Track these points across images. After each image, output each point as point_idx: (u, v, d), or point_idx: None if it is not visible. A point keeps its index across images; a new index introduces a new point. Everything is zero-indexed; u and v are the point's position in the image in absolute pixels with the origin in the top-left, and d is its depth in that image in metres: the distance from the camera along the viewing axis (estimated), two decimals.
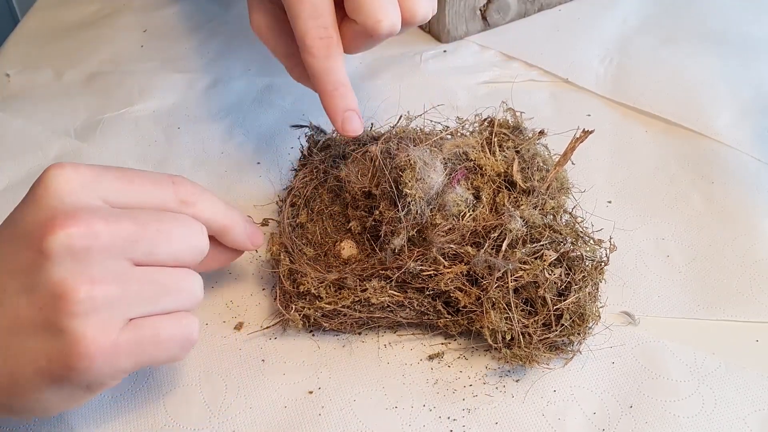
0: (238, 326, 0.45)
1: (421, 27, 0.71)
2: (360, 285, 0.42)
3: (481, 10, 0.68)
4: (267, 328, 0.45)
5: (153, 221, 0.36)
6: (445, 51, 0.68)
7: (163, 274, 0.36)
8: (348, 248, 0.46)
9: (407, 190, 0.43)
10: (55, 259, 0.33)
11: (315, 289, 0.42)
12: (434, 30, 0.69)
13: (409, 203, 0.43)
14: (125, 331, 0.35)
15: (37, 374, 0.34)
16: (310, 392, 0.42)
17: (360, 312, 0.42)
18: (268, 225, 0.52)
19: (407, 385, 0.42)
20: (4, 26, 1.22)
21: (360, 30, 0.43)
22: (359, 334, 0.44)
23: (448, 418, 0.40)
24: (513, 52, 0.67)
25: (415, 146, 0.45)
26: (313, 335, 0.45)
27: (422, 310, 0.42)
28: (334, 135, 0.52)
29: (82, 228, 0.33)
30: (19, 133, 0.62)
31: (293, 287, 0.43)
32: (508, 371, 0.42)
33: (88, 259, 0.33)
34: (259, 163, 0.57)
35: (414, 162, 0.43)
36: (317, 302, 0.42)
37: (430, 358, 0.43)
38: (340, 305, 0.42)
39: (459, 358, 0.43)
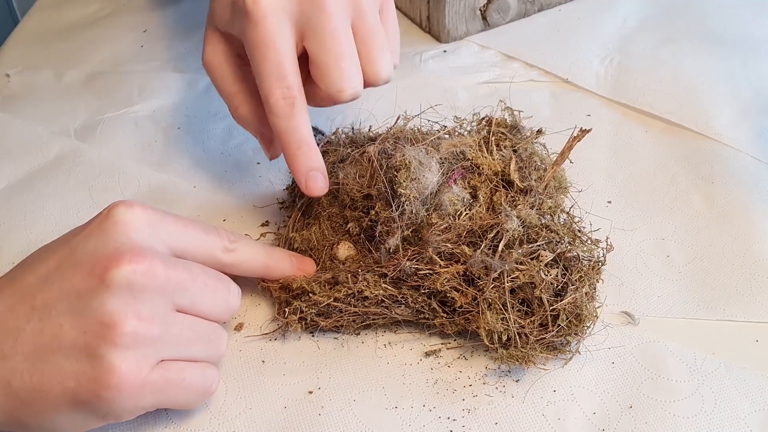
0: (238, 327, 0.45)
1: (421, 27, 0.71)
2: (353, 278, 0.42)
3: (481, 10, 0.68)
4: (266, 334, 0.45)
5: (202, 275, 0.39)
6: (445, 51, 0.68)
7: (200, 324, 0.39)
8: (345, 249, 0.46)
9: (401, 190, 0.43)
10: (114, 290, 0.35)
11: (307, 285, 0.43)
12: (434, 30, 0.69)
13: (403, 203, 0.43)
14: (155, 370, 0.36)
15: (63, 395, 0.35)
16: (310, 392, 0.42)
17: (354, 306, 0.42)
18: (268, 225, 0.52)
19: (407, 385, 0.42)
20: (4, 26, 1.22)
21: (324, 95, 0.44)
22: (357, 334, 0.44)
23: (448, 418, 0.40)
24: (513, 52, 0.67)
25: (411, 146, 0.45)
26: (313, 336, 0.45)
27: (418, 307, 0.42)
28: (333, 137, 0.52)
29: (144, 266, 0.35)
30: (19, 133, 0.62)
31: (287, 293, 0.44)
32: (508, 371, 0.42)
33: (143, 296, 0.36)
34: (259, 163, 0.57)
35: (409, 162, 0.43)
36: (311, 296, 0.42)
37: (427, 354, 0.43)
38: (332, 299, 0.42)
39: (458, 358, 0.43)
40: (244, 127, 0.50)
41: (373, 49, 0.45)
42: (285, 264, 0.45)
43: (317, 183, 0.45)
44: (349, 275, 0.43)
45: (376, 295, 0.42)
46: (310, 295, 0.42)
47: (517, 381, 0.42)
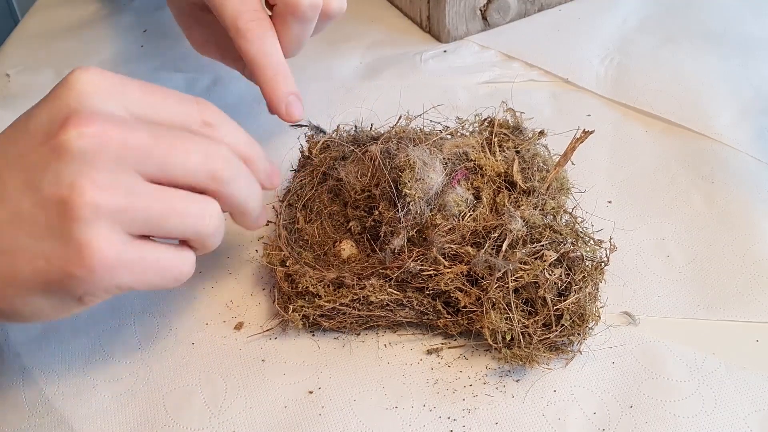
0: (238, 326, 0.45)
1: (421, 27, 0.71)
2: (359, 283, 0.42)
3: (481, 10, 0.68)
4: (267, 330, 0.45)
5: (169, 136, 0.35)
6: (445, 51, 0.68)
7: (174, 195, 0.35)
8: (348, 248, 0.46)
9: (406, 190, 0.43)
10: (64, 159, 0.32)
11: (313, 288, 0.42)
12: (434, 30, 0.69)
13: (408, 203, 0.43)
14: (129, 248, 0.34)
15: (33, 275, 0.33)
16: (310, 392, 0.42)
17: (359, 310, 0.42)
18: (268, 225, 0.52)
19: (407, 385, 0.42)
20: (4, 26, 1.22)
21: (281, 10, 0.42)
22: (358, 334, 0.44)
23: (448, 418, 0.40)
24: (513, 52, 0.67)
25: (414, 146, 0.45)
26: (313, 335, 0.45)
27: (422, 309, 0.42)
28: (334, 135, 0.52)
29: (94, 129, 0.32)
30: None
31: (291, 287, 0.43)
32: (508, 371, 0.42)
33: (98, 164, 0.33)
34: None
35: (413, 162, 0.43)
36: (316, 300, 0.42)
37: (428, 352, 0.43)
38: (338, 303, 0.42)
39: (459, 358, 0.43)
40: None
41: None
42: (260, 164, 0.41)
43: (296, 108, 0.44)
44: (355, 278, 0.43)
45: (381, 300, 0.42)
46: (315, 299, 0.42)
47: (517, 381, 0.42)
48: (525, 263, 0.41)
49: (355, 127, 0.52)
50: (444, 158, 0.45)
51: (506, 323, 0.40)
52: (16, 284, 0.33)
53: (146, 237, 0.35)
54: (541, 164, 0.47)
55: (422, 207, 0.43)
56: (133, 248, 0.34)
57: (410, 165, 0.43)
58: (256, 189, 0.40)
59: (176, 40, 0.72)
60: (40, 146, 0.33)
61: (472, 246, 0.42)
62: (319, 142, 0.52)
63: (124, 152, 0.33)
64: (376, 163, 0.45)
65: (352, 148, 0.49)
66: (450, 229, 0.43)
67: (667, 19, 0.70)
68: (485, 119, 0.50)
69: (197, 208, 0.36)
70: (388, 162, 0.45)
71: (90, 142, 0.32)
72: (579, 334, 0.41)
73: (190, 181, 0.36)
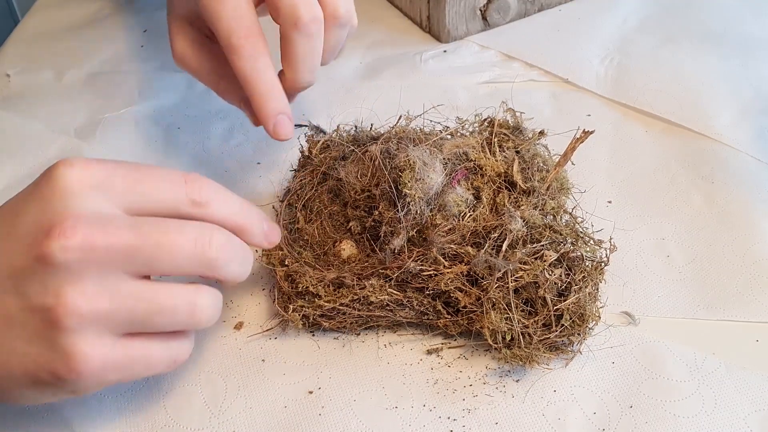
0: (238, 326, 0.45)
1: (421, 27, 0.71)
2: (359, 283, 0.42)
3: (481, 10, 0.68)
4: (267, 330, 0.45)
5: (156, 232, 0.34)
6: (445, 51, 0.68)
7: (160, 292, 0.35)
8: (348, 248, 0.46)
9: (406, 191, 0.43)
10: (49, 270, 0.33)
11: (313, 288, 0.42)
12: (434, 30, 0.69)
13: (408, 203, 0.43)
14: (116, 348, 0.34)
15: (24, 374, 0.34)
16: (310, 392, 0.42)
17: (359, 310, 0.42)
18: None
19: (407, 385, 0.42)
20: (4, 26, 1.22)
21: (283, 31, 0.42)
22: (358, 334, 0.44)
23: (448, 418, 0.40)
24: (513, 52, 0.67)
25: (414, 146, 0.45)
26: (313, 335, 0.45)
27: (422, 309, 0.42)
28: (334, 135, 0.52)
29: (78, 240, 0.32)
30: (20, 132, 0.62)
31: (291, 287, 0.43)
32: (508, 371, 0.42)
33: (83, 271, 0.33)
34: (259, 163, 0.57)
35: (413, 162, 0.43)
36: (316, 300, 0.42)
37: (428, 353, 0.43)
38: (338, 303, 0.42)
39: (459, 358, 0.43)
40: (228, 100, 0.49)
41: None
42: (255, 230, 0.40)
43: (285, 128, 0.44)
44: (355, 278, 0.43)
45: (381, 300, 0.42)
46: (316, 299, 0.42)
47: (517, 381, 0.42)
48: (525, 263, 0.41)
49: (355, 127, 0.52)
50: (444, 158, 0.45)
51: (506, 323, 0.40)
52: (8, 379, 0.34)
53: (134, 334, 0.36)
54: (541, 164, 0.47)
55: (422, 207, 0.43)
56: (121, 348, 0.35)
57: (410, 165, 0.43)
58: (249, 260, 0.39)
59: None
60: (26, 252, 0.33)
61: (472, 246, 0.42)
62: (319, 142, 0.52)
63: (109, 256, 0.33)
64: (376, 163, 0.45)
65: (352, 148, 0.49)
66: (450, 229, 0.43)
67: (667, 19, 0.70)
68: (485, 119, 0.50)
69: (186, 304, 0.36)
70: (388, 162, 0.45)
71: (74, 255, 0.32)
72: (579, 334, 0.41)
73: (182, 273, 0.35)
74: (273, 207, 0.52)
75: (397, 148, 0.46)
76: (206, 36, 0.48)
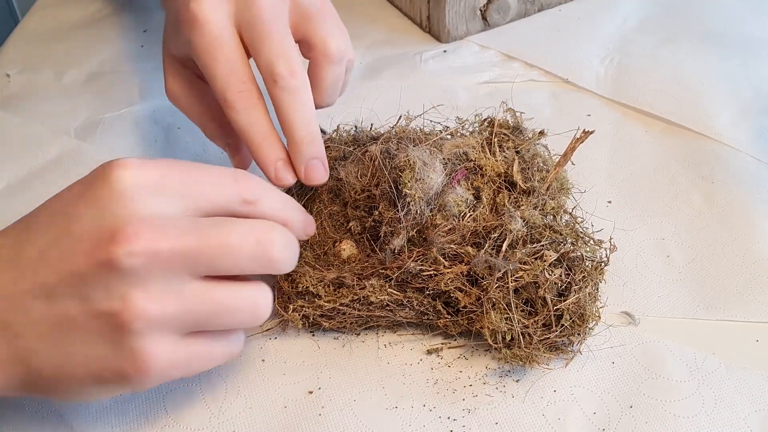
0: None
1: (421, 27, 0.71)
2: (359, 283, 0.42)
3: (481, 10, 0.68)
4: (267, 330, 0.45)
5: (217, 234, 0.35)
6: (445, 51, 0.68)
7: (223, 292, 0.36)
8: (348, 248, 0.46)
9: (406, 190, 0.43)
10: (114, 275, 0.33)
11: (313, 288, 0.42)
12: (434, 30, 0.69)
13: (408, 203, 0.43)
14: (180, 347, 0.35)
15: (88, 375, 0.34)
16: (310, 392, 0.42)
17: (359, 310, 0.42)
18: None
19: (407, 385, 0.42)
20: (4, 26, 1.22)
21: (263, 76, 0.43)
22: (358, 334, 0.44)
23: (448, 418, 0.40)
24: (513, 52, 0.67)
25: (414, 146, 0.45)
26: (313, 335, 0.45)
27: (422, 309, 0.42)
28: (334, 135, 0.52)
29: (143, 245, 0.33)
30: (19, 132, 0.62)
31: (291, 287, 0.43)
32: (508, 371, 0.42)
33: (148, 275, 0.33)
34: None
35: (413, 162, 0.43)
36: (316, 300, 0.42)
37: (428, 353, 0.43)
38: (338, 304, 0.42)
39: (459, 358, 0.43)
40: (214, 142, 0.50)
41: (315, 25, 0.45)
42: (297, 224, 0.40)
43: (285, 174, 0.44)
44: (355, 278, 0.43)
45: (381, 300, 0.42)
46: (315, 299, 0.42)
47: (517, 381, 0.42)
48: (525, 263, 0.41)
49: (355, 127, 0.52)
50: (444, 158, 0.45)
51: (506, 323, 0.40)
52: (70, 379, 0.35)
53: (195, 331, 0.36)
54: (541, 164, 0.47)
55: (422, 207, 0.43)
56: (185, 346, 0.35)
57: (410, 165, 0.43)
58: (297, 251, 0.39)
59: None
60: (87, 257, 0.33)
61: (472, 246, 0.42)
62: None
63: (173, 260, 0.34)
64: (376, 163, 0.45)
65: (351, 148, 0.49)
66: (450, 229, 0.43)
67: (667, 19, 0.70)
68: (485, 119, 0.50)
69: (249, 303, 0.36)
70: (388, 162, 0.45)
71: (139, 260, 0.33)
72: (579, 334, 0.41)
73: (242, 272, 0.36)
74: None
75: (397, 148, 0.45)
76: (198, 77, 0.49)
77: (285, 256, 0.37)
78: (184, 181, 0.36)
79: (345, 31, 0.47)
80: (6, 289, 0.34)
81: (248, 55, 0.44)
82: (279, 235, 0.37)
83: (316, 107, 0.45)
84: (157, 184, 0.35)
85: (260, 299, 0.37)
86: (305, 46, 0.46)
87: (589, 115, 0.60)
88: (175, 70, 0.49)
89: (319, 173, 0.44)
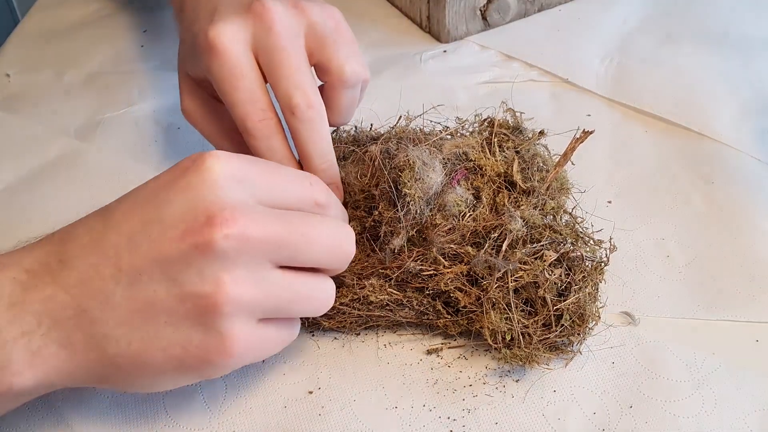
0: None
1: (421, 27, 0.71)
2: (358, 283, 0.42)
3: (481, 10, 0.68)
4: None
5: (301, 225, 0.37)
6: (445, 51, 0.68)
7: (301, 282, 0.37)
8: None
9: (406, 190, 0.43)
10: (208, 257, 0.34)
11: None
12: (434, 30, 0.69)
13: (408, 203, 0.43)
14: (257, 332, 0.36)
15: (167, 361, 0.35)
16: (310, 392, 0.42)
17: (359, 310, 0.42)
18: None
19: (407, 385, 0.42)
20: (4, 26, 1.22)
21: (280, 105, 0.44)
22: (358, 334, 0.44)
23: (448, 418, 0.40)
24: (513, 52, 0.67)
25: (414, 146, 0.45)
26: (313, 335, 0.45)
27: (422, 309, 0.42)
28: (334, 135, 0.52)
29: (237, 228, 0.34)
30: (19, 133, 0.62)
31: None
32: (508, 371, 0.42)
33: (238, 260, 0.34)
34: None
35: (413, 162, 0.43)
36: None
37: (428, 353, 0.43)
38: (338, 303, 0.42)
39: (459, 358, 0.43)
40: None
41: (330, 49, 0.46)
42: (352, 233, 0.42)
43: None
44: (355, 278, 0.43)
45: (381, 300, 0.42)
46: None
47: (517, 381, 0.42)
48: (525, 263, 0.41)
49: (355, 127, 0.52)
50: (444, 158, 0.45)
51: (506, 323, 0.40)
52: (146, 367, 0.35)
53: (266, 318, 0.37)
54: (541, 164, 0.47)
55: (422, 207, 0.43)
56: (260, 331, 0.37)
57: (410, 165, 0.43)
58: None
59: (176, 40, 0.71)
60: (179, 241, 0.34)
61: (472, 246, 0.42)
62: None
63: (261, 246, 0.35)
64: (376, 163, 0.45)
65: (352, 148, 0.49)
66: (450, 229, 0.43)
67: (667, 19, 0.70)
68: (485, 119, 0.50)
69: (321, 293, 0.39)
70: (388, 162, 0.45)
71: (234, 243, 0.34)
72: (579, 334, 0.41)
73: (318, 264, 0.38)
74: None
75: (397, 149, 0.46)
76: (214, 98, 0.49)
77: (353, 252, 0.39)
78: (264, 175, 0.38)
79: (359, 52, 0.48)
80: (85, 274, 0.34)
81: (265, 79, 0.45)
82: (350, 233, 0.39)
83: (330, 126, 0.46)
84: (243, 176, 0.36)
85: (330, 290, 0.39)
86: (321, 70, 0.47)
87: (589, 115, 0.60)
88: (191, 89, 0.49)
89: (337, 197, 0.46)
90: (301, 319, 0.43)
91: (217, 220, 0.34)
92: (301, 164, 0.45)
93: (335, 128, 0.53)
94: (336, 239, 0.38)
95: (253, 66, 0.44)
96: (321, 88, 0.47)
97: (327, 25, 0.46)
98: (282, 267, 0.37)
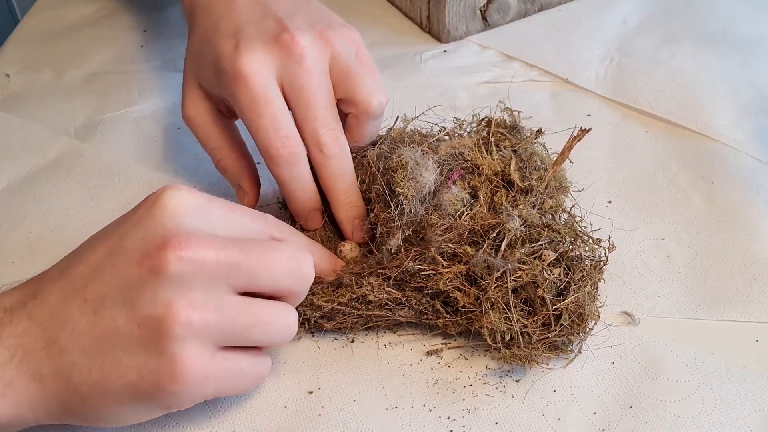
0: None
1: (421, 27, 0.71)
2: (357, 282, 0.42)
3: (481, 10, 0.68)
4: None
5: (256, 248, 0.37)
6: (445, 51, 0.68)
7: (260, 306, 0.37)
8: (350, 249, 0.46)
9: (399, 189, 0.43)
10: (162, 280, 0.34)
11: (311, 292, 0.42)
12: (434, 30, 0.69)
13: (401, 202, 0.43)
14: (215, 359, 0.36)
15: (124, 388, 0.35)
16: (310, 392, 0.42)
17: (358, 310, 0.42)
18: None
19: (407, 385, 0.42)
20: (4, 26, 1.22)
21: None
22: (355, 336, 0.44)
23: (448, 418, 0.40)
24: (513, 52, 0.67)
25: (408, 147, 0.45)
26: (313, 335, 0.45)
27: (421, 309, 0.42)
28: None
29: (192, 252, 0.34)
30: (19, 133, 0.62)
31: None
32: (508, 371, 0.42)
33: (193, 283, 0.34)
34: (259, 163, 0.57)
35: (405, 162, 0.43)
36: (315, 301, 0.42)
37: (429, 354, 0.43)
38: (337, 303, 0.42)
39: (459, 358, 0.43)
40: (226, 177, 0.51)
41: (355, 83, 0.46)
42: (325, 263, 0.44)
43: (316, 222, 0.47)
44: (353, 278, 0.43)
45: (380, 299, 0.42)
46: (313, 299, 0.42)
47: (517, 381, 0.42)
48: (524, 263, 0.41)
49: None
50: (440, 159, 0.45)
51: (505, 323, 0.40)
52: (107, 395, 0.35)
53: (228, 347, 0.37)
54: (539, 163, 0.47)
55: (416, 206, 0.43)
56: (219, 359, 0.36)
57: (402, 165, 0.43)
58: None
59: (176, 40, 0.72)
60: (136, 266, 0.34)
61: (470, 245, 0.42)
62: None
63: (217, 270, 0.35)
64: (371, 168, 0.46)
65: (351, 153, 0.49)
66: (447, 228, 0.43)
67: (667, 19, 0.70)
68: (483, 119, 0.50)
69: (283, 318, 0.38)
70: (381, 164, 0.45)
71: (187, 265, 0.34)
72: (578, 333, 0.41)
73: (277, 288, 0.38)
74: (277, 202, 0.52)
75: (391, 151, 0.46)
76: (220, 112, 0.50)
77: (313, 274, 0.39)
78: (224, 210, 0.38)
79: (380, 77, 0.49)
80: (55, 306, 0.35)
81: (288, 106, 0.45)
82: (309, 257, 0.39)
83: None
84: (202, 207, 0.37)
85: (292, 316, 0.38)
86: (346, 103, 0.47)
87: (589, 115, 0.60)
88: (197, 98, 0.49)
89: (361, 231, 0.47)
90: (302, 323, 0.43)
91: (171, 244, 0.34)
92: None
93: None
94: (294, 261, 0.38)
95: (278, 95, 0.44)
96: (345, 117, 0.47)
97: (350, 55, 0.47)
98: (244, 294, 0.37)
